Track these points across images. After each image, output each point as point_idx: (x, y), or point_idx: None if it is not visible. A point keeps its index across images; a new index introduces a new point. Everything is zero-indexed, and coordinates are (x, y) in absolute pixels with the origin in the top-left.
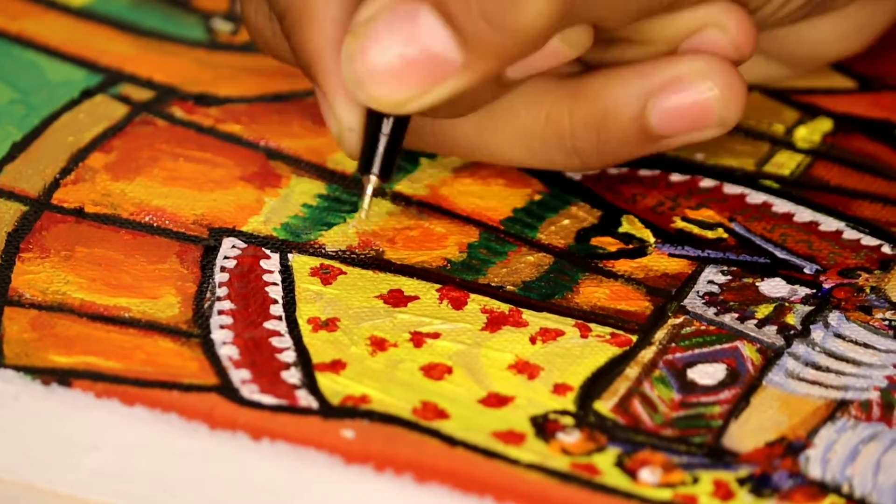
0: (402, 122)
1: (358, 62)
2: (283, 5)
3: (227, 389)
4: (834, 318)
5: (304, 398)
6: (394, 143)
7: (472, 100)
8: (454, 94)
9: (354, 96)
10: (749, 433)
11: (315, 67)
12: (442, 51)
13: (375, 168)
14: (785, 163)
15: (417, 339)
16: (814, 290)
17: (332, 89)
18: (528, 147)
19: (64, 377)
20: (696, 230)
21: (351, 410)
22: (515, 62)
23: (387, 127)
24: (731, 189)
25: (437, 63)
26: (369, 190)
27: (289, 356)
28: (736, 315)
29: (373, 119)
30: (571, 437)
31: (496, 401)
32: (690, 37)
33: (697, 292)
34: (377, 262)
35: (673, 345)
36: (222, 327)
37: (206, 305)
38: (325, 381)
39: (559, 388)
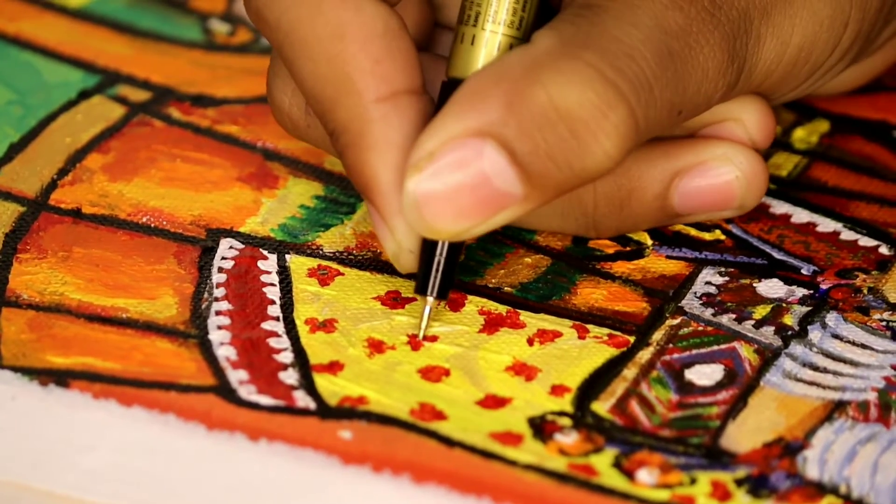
0: (458, 245)
1: (418, 194)
2: (340, 125)
3: (224, 390)
4: (831, 318)
5: (302, 399)
6: (451, 263)
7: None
8: (510, 222)
9: (413, 225)
10: (747, 434)
11: (373, 191)
12: (504, 186)
13: (434, 290)
14: (782, 164)
15: (415, 342)
16: (811, 291)
17: (390, 213)
18: (546, 218)
19: (61, 378)
20: (693, 232)
21: (349, 411)
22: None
23: (443, 249)
24: None
25: (499, 197)
26: (427, 311)
27: (286, 357)
28: (733, 316)
29: (429, 242)
30: (569, 438)
31: (494, 402)
32: (711, 125)
33: (695, 293)
34: (375, 264)
35: (670, 346)
36: (220, 328)
37: (203, 306)
38: (322, 381)
39: (557, 390)
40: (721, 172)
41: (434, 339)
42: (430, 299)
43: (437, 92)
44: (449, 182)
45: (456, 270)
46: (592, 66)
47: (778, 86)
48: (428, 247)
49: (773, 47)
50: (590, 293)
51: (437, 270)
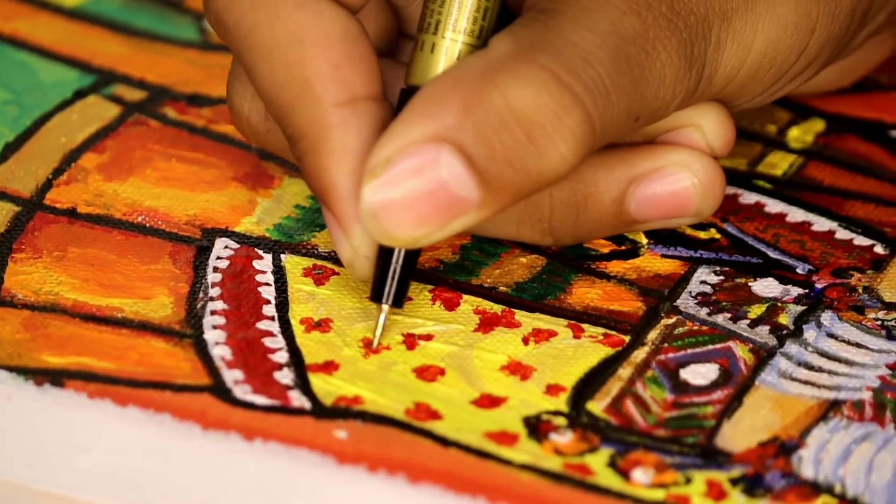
0: (414, 252)
1: (375, 201)
2: (298, 130)
3: (219, 390)
4: (826, 317)
5: (297, 399)
6: (407, 271)
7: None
8: (467, 228)
9: (370, 232)
10: (742, 433)
11: (330, 196)
12: (461, 191)
13: (389, 298)
14: (777, 163)
15: (410, 340)
16: (806, 290)
17: (347, 218)
18: (502, 225)
19: (57, 378)
20: (688, 231)
21: (344, 411)
22: (531, 196)
23: (400, 256)
24: None
25: (455, 202)
26: (382, 318)
27: (281, 357)
28: (728, 315)
29: (385, 248)
30: (564, 438)
31: (489, 402)
32: (669, 131)
33: (690, 292)
34: None
35: (665, 345)
36: (215, 328)
37: (198, 306)
38: (317, 381)
39: (552, 389)
40: (677, 179)
41: (429, 337)
42: (384, 307)
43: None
44: (406, 188)
45: (411, 278)
46: (548, 69)
47: (741, 91)
48: (384, 254)
49: (734, 53)
50: (585, 293)
51: (392, 278)
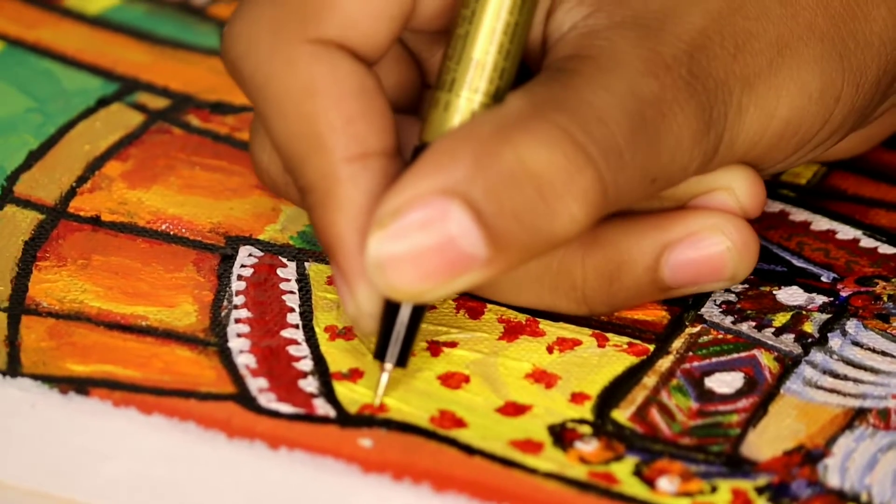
0: (419, 310)
1: (381, 252)
2: (306, 183)
3: (244, 398)
4: (851, 326)
5: (322, 407)
6: (411, 331)
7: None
8: (473, 286)
9: (374, 285)
10: (767, 442)
11: (337, 251)
12: (468, 247)
13: (393, 357)
14: (801, 172)
15: (434, 348)
16: (831, 299)
17: (353, 274)
18: (536, 293)
19: (81, 386)
20: None
21: (368, 419)
22: (540, 257)
23: (405, 315)
24: None
25: (462, 258)
26: (385, 378)
27: (306, 365)
28: (753, 323)
29: (390, 306)
30: (589, 446)
31: (514, 410)
32: (700, 195)
33: (714, 301)
34: None
35: (690, 353)
36: (239, 336)
37: (223, 314)
38: (342, 389)
39: (577, 397)
40: (712, 243)
41: (454, 345)
42: (388, 366)
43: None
44: (413, 241)
45: (416, 337)
46: (562, 128)
47: (764, 158)
48: (389, 312)
49: (756, 118)
50: None
51: (398, 337)
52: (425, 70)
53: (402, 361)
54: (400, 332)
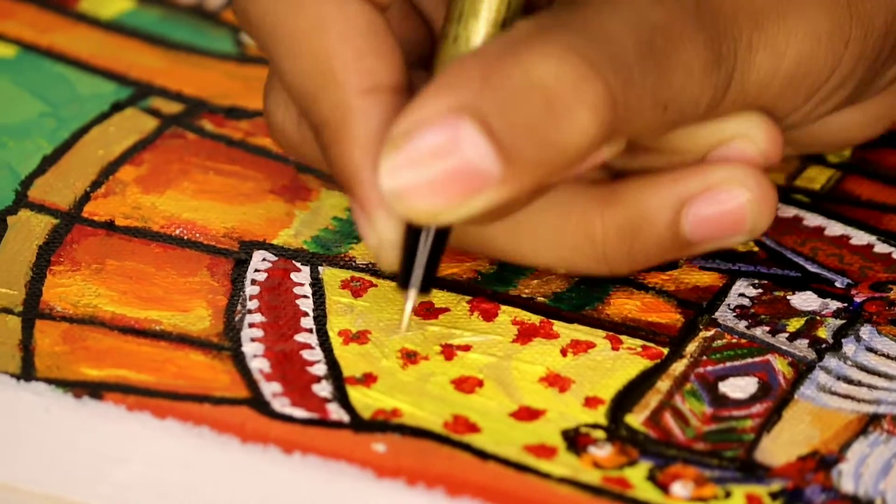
0: (441, 236)
1: (395, 173)
2: (320, 119)
3: (258, 403)
4: (865, 331)
5: (336, 412)
6: (434, 257)
7: (505, 208)
8: (491, 206)
9: (391, 207)
10: (781, 447)
11: (354, 183)
12: (482, 164)
13: (416, 282)
14: (816, 177)
15: (448, 351)
16: (845, 304)
17: (371, 204)
18: (556, 253)
19: (95, 390)
20: None
21: (382, 424)
22: (555, 177)
23: (426, 240)
24: None
25: (476, 175)
26: (409, 305)
27: (320, 369)
28: (767, 328)
29: (411, 233)
30: (603, 451)
31: (527, 414)
32: (719, 147)
33: (728, 305)
34: None
35: (704, 358)
36: (253, 340)
37: (236, 318)
38: (356, 394)
39: (590, 402)
40: (731, 196)
41: (467, 348)
42: (412, 292)
43: None
44: (426, 160)
45: (439, 265)
46: (570, 43)
47: (776, 103)
48: (410, 239)
49: (766, 58)
50: (623, 304)
51: (420, 262)
52: (434, 29)
53: (425, 287)
54: (422, 257)
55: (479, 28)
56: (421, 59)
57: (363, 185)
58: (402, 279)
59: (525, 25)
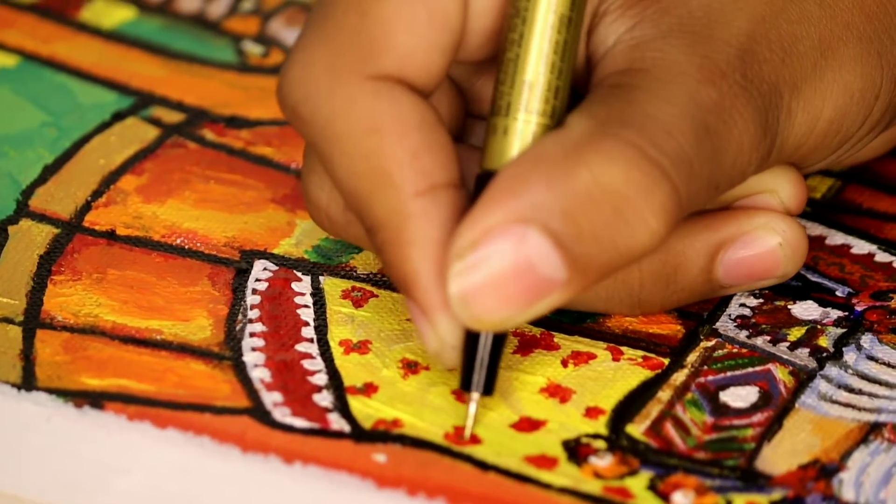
0: (501, 338)
1: (462, 282)
2: (377, 221)
3: (259, 412)
4: (866, 340)
5: (336, 421)
6: (494, 358)
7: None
8: (553, 308)
9: (457, 316)
10: (782, 456)
11: (414, 287)
12: (549, 272)
13: (479, 386)
14: (817, 186)
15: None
16: (846, 313)
17: (433, 308)
18: (589, 299)
19: (96, 400)
20: None
21: (383, 434)
22: (616, 273)
23: (487, 343)
24: None
25: (543, 282)
26: (473, 408)
27: (320, 379)
28: (768, 338)
29: (472, 335)
30: (604, 461)
31: (528, 425)
32: (746, 198)
33: (729, 315)
34: None
35: (705, 368)
36: (254, 350)
37: (237, 328)
38: (356, 404)
39: (591, 412)
40: (765, 241)
41: None
42: (475, 395)
43: (472, 184)
44: (493, 270)
45: (499, 365)
46: (633, 144)
47: (808, 157)
48: (471, 341)
49: (803, 121)
50: (624, 316)
51: (482, 365)
52: (468, 98)
53: (488, 389)
54: (484, 360)
55: (530, 120)
56: (457, 130)
57: (424, 289)
58: (464, 382)
59: (581, 122)
